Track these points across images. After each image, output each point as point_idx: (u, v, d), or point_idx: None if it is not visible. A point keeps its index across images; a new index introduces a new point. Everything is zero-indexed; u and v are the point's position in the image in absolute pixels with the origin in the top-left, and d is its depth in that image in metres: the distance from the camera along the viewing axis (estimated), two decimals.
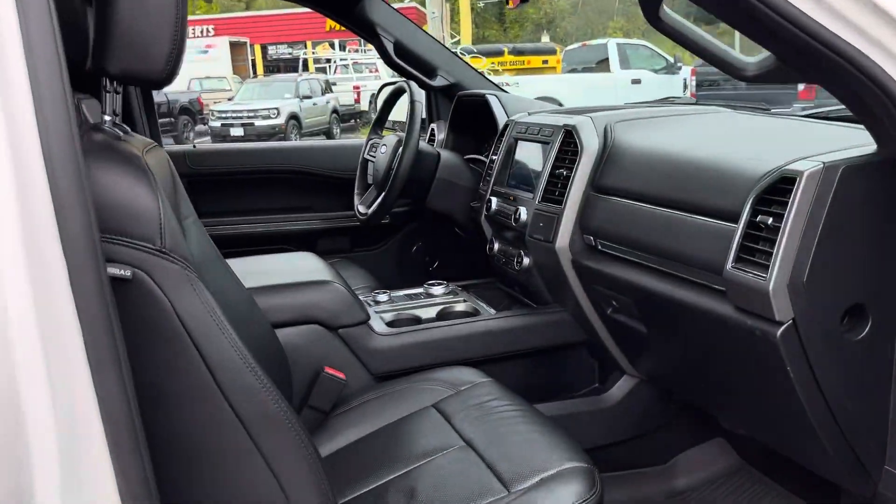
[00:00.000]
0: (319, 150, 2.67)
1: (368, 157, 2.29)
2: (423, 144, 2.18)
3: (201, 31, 24.80)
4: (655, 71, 12.91)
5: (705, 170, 1.30)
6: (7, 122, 0.68)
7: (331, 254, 2.59)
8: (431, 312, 1.85)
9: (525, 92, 11.06)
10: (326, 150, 2.68)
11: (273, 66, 25.98)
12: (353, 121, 16.43)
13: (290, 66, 24.14)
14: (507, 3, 1.93)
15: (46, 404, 0.70)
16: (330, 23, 22.84)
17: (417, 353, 1.67)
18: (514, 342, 1.74)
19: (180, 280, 0.89)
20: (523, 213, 1.75)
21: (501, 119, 2.11)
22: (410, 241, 2.69)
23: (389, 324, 1.77)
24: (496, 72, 14.03)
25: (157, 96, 13.99)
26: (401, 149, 2.04)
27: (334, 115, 15.44)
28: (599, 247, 1.57)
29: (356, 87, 17.24)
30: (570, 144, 1.68)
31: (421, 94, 2.08)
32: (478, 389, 1.50)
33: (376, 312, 1.81)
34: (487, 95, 2.23)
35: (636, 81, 12.64)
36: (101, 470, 0.74)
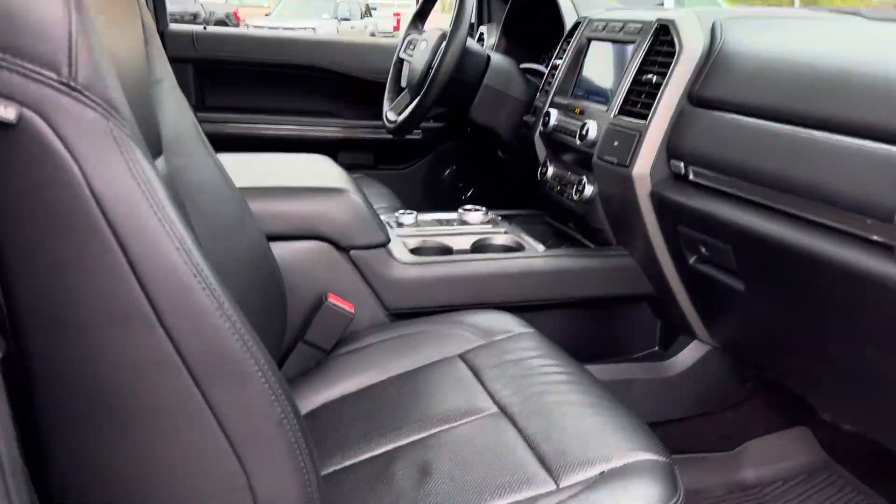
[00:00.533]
0: (349, 47, 2.31)
1: (404, 57, 1.93)
2: (472, 43, 1.82)
3: None
4: None
5: (871, 78, 0.94)
6: None
7: (351, 168, 2.26)
8: (465, 243, 1.52)
9: None
10: (357, 48, 2.32)
11: None
12: None
13: None
14: None
15: None
16: None
17: (445, 290, 1.35)
18: (563, 287, 1.41)
19: (98, 134, 0.56)
20: (592, 129, 1.40)
21: (570, 17, 1.73)
22: (443, 163, 2.35)
23: (413, 251, 1.44)
24: None
25: (194, 6, 13.61)
26: (444, 44, 1.68)
27: (371, 38, 14.92)
28: (692, 175, 1.22)
29: (396, 14, 16.65)
30: (663, 44, 1.31)
31: None
32: (517, 342, 1.18)
33: (398, 236, 1.49)
34: None
35: None
36: None
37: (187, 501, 0.64)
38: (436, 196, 2.34)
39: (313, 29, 13.27)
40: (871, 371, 0.99)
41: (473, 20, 2.27)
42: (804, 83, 1.03)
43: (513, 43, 2.08)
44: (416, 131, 2.08)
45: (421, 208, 2.10)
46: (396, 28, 16.35)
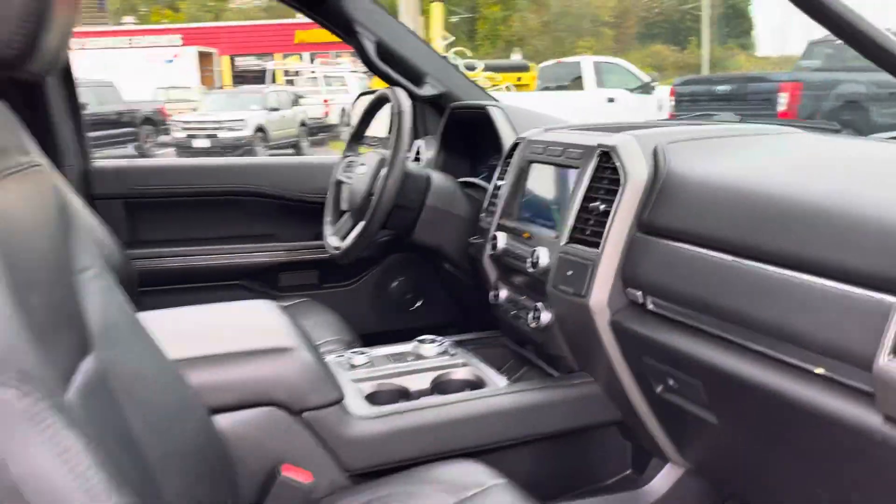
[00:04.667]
0: (283, 168, 2.26)
1: (343, 179, 1.89)
2: (411, 164, 1.80)
3: (168, 41, 24.22)
4: (631, 90, 12.74)
5: (825, 213, 0.93)
6: None
7: (295, 291, 2.18)
8: (424, 381, 1.45)
9: None
10: (291, 168, 2.28)
11: (240, 78, 25.43)
12: (320, 134, 16.00)
13: (258, 78, 23.62)
14: None
15: None
16: (299, 35, 22.55)
17: (407, 442, 1.27)
18: (531, 424, 1.35)
19: (14, 416, 0.49)
20: (543, 257, 1.37)
21: (508, 137, 1.73)
22: (391, 276, 2.30)
23: (369, 397, 1.37)
24: None
25: (117, 105, 13.48)
26: (384, 170, 1.65)
27: (302, 127, 15.01)
28: (650, 305, 1.20)
29: (325, 101, 16.86)
30: (606, 171, 1.30)
31: (408, 104, 1.70)
32: (489, 497, 1.11)
33: (352, 380, 1.41)
34: (489, 108, 1.86)
35: (611, 100, 12.50)
36: None
37: None
38: (384, 310, 2.28)
39: (243, 121, 13.29)
40: None
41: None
42: (758, 216, 1.02)
43: (450, 156, 2.08)
44: None
45: (369, 324, 2.02)
46: (326, 114, 16.53)
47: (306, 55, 23.38)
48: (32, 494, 0.49)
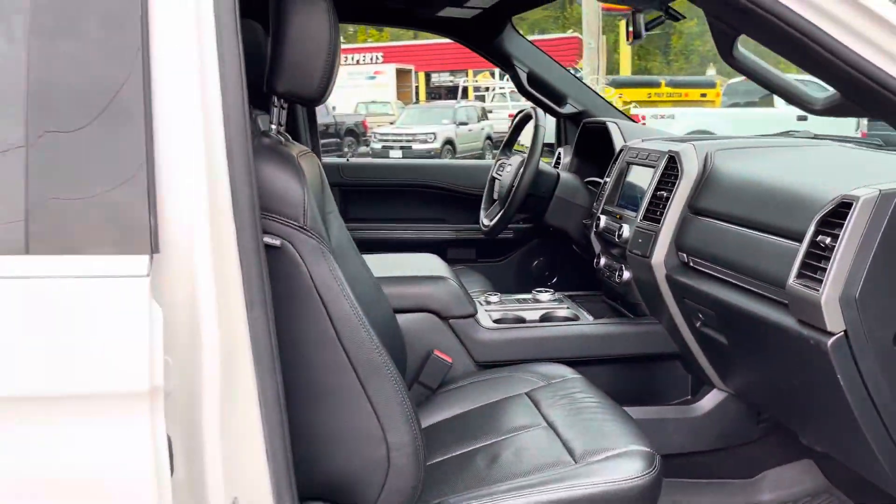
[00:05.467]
0: (454, 168, 2.95)
1: (496, 175, 2.52)
2: (544, 165, 2.38)
3: (371, 59, 26.32)
4: None
5: (783, 194, 1.42)
6: (205, 123, 0.96)
7: (457, 263, 2.83)
8: (535, 315, 2.04)
9: (680, 125, 10.92)
10: (460, 168, 2.96)
11: (435, 93, 27.03)
12: None
13: (451, 93, 25.01)
14: (627, 38, 2.11)
15: (214, 331, 0.96)
16: None
17: (518, 348, 1.87)
18: (608, 347, 1.90)
19: (315, 251, 1.15)
20: (626, 231, 1.91)
21: (619, 144, 2.27)
22: (531, 256, 2.89)
23: (496, 321, 1.98)
24: (651, 103, 13.89)
25: (326, 118, 15.12)
26: (522, 168, 2.25)
27: (488, 141, 15.89)
28: (691, 263, 1.70)
29: (511, 115, 17.65)
30: (672, 169, 1.82)
31: (544, 120, 2.29)
32: (568, 383, 1.67)
33: (485, 310, 2.03)
34: (608, 122, 2.40)
35: (802, 118, 12.05)
36: (247, 380, 1.00)
37: (349, 446, 1.19)
38: (524, 283, 2.87)
39: (434, 134, 14.40)
40: (799, 398, 1.42)
41: (553, 141, 2.85)
42: (752, 198, 1.52)
43: (582, 161, 2.64)
44: (507, 231, 2.63)
45: (512, 292, 2.61)
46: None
47: (496, 72, 24.41)
48: (320, 287, 1.15)
